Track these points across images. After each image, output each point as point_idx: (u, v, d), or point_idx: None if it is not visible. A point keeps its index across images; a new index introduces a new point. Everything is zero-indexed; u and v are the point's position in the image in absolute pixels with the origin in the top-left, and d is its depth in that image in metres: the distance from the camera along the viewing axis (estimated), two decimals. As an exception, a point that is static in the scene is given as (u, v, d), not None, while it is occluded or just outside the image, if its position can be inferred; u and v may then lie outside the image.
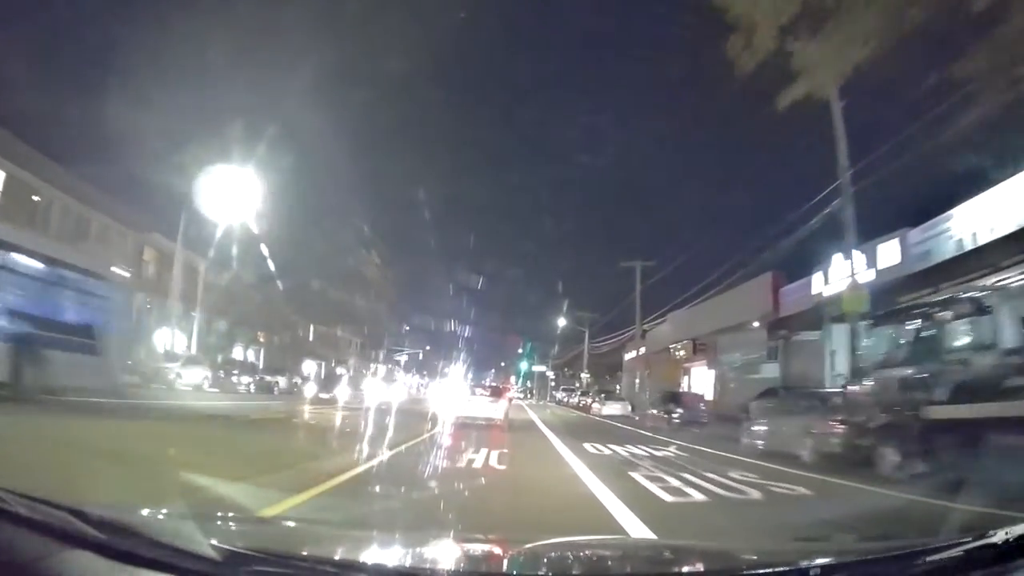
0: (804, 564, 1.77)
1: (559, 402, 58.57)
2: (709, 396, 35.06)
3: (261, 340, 51.30)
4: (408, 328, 74.69)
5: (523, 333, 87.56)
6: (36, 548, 1.43)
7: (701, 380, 39.04)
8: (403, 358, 77.57)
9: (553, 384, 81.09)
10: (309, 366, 59.82)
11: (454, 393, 36.95)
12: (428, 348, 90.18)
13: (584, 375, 57.96)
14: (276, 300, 54.48)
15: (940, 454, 8.49)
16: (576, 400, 46.09)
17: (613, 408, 32.25)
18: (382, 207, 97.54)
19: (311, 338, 62.00)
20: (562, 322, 59.79)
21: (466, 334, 74.51)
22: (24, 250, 12.04)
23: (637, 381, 38.32)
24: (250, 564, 1.51)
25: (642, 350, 49.82)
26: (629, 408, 32.80)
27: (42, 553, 1.42)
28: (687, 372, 40.52)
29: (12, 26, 26.56)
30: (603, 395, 33.81)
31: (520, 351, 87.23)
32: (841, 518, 6.18)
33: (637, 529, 5.17)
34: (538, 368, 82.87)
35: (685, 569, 2.15)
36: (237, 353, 47.34)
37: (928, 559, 1.69)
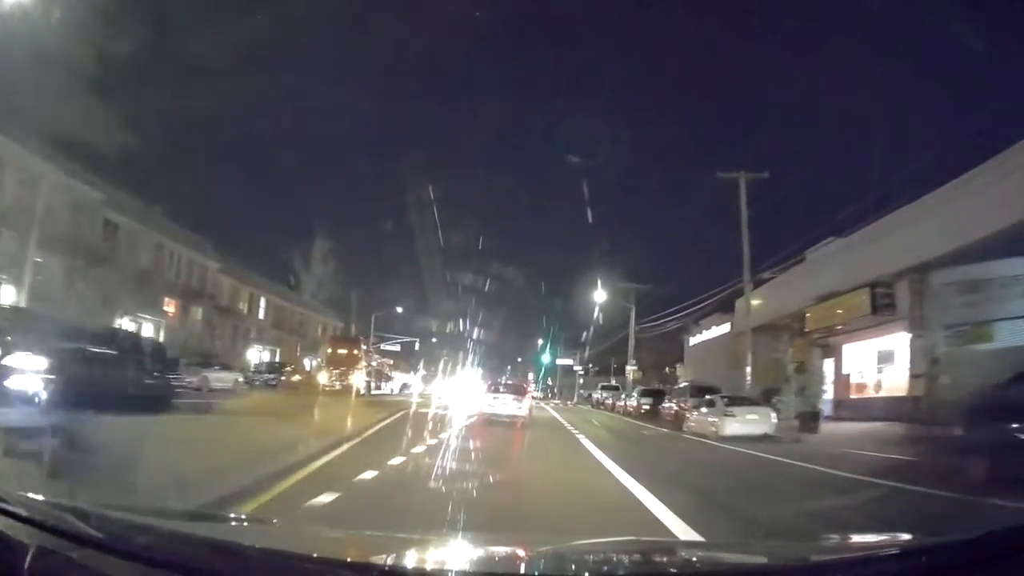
0: (807, 562, 1.84)
1: (596, 404, 41.89)
2: (901, 388, 19.12)
3: (169, 312, 35.53)
4: (401, 310, 58.72)
5: (544, 320, 71.18)
6: (36, 548, 1.44)
7: (861, 363, 22.50)
8: (392, 348, 61.72)
9: (581, 382, 64.52)
10: (255, 355, 44.05)
11: (458, 393, 30.54)
12: (435, 341, 74.81)
13: (631, 367, 41.46)
14: (201, 257, 38.98)
15: None
16: (633, 403, 29.22)
17: (747, 422, 15.74)
18: (375, 164, 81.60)
19: (261, 316, 46.21)
20: (600, 296, 43.07)
21: (476, 325, 58.67)
22: None
23: (750, 370, 21.77)
24: (248, 563, 1.49)
25: (725, 327, 33.32)
26: (774, 419, 16.30)
27: (42, 552, 1.44)
28: (831, 351, 23.88)
29: None
30: (725, 398, 16.65)
31: (540, 342, 70.66)
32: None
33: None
34: (563, 361, 66.17)
35: (684, 568, 2.01)
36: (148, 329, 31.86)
37: (931, 556, 1.62)
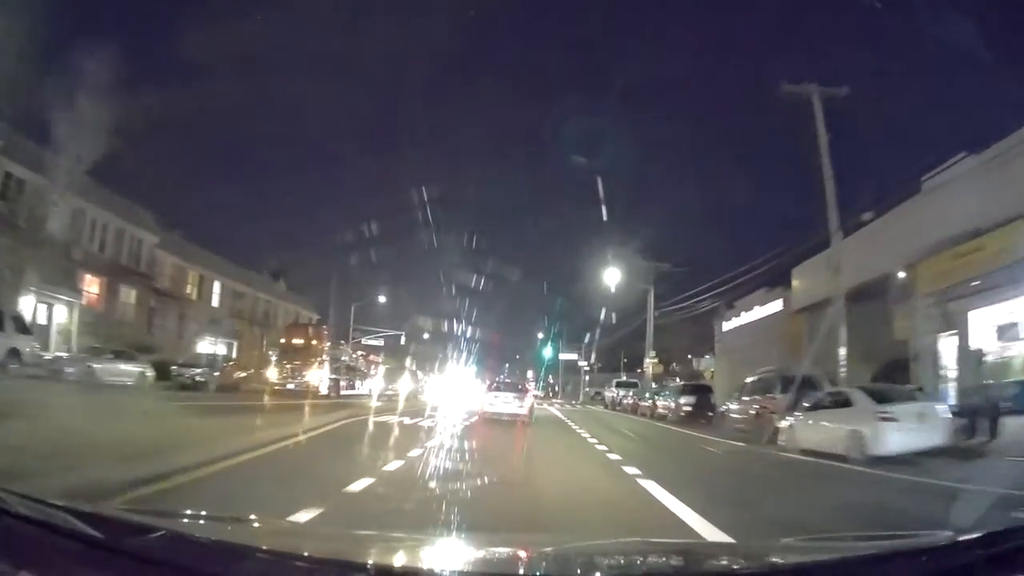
0: (811, 562, 1.79)
1: (612, 404, 35.12)
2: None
3: (91, 291, 28.76)
4: (384, 299, 52.03)
5: (544, 312, 64.56)
6: (36, 548, 1.44)
7: (993, 334, 15.94)
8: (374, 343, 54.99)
9: (587, 379, 57.92)
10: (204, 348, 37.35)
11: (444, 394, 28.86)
12: (427, 337, 68.54)
13: (650, 360, 34.94)
14: (135, 229, 32.30)
15: None
16: (668, 403, 22.07)
17: (916, 431, 9.11)
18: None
19: (215, 303, 39.45)
20: (610, 278, 36.25)
21: (469, 319, 52.16)
22: None
23: (844, 352, 15.16)
24: (248, 563, 1.45)
25: (774, 305, 26.86)
26: (947, 420, 9.66)
27: (42, 553, 1.43)
28: (950, 321, 17.10)
29: None
30: (866, 392, 9.99)
31: (539, 336, 63.98)
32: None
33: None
34: (567, 356, 59.38)
35: (685, 569, 1.92)
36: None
37: (935, 556, 1.57)
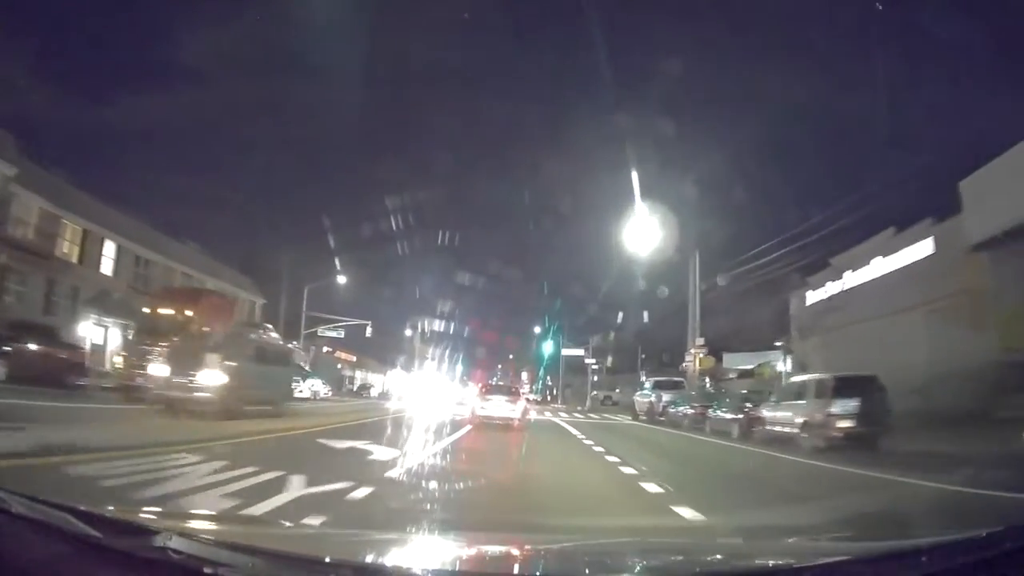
0: (812, 562, 1.74)
1: (647, 414, 25.07)
2: None
3: None
4: (345, 280, 42.13)
5: (542, 302, 55.08)
6: (36, 548, 1.42)
7: None
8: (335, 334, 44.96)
9: (595, 379, 48.16)
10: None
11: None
12: (410, 334, 59.79)
13: (695, 350, 25.22)
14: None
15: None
16: (795, 415, 11.34)
17: None
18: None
19: (106, 271, 29.46)
20: (629, 243, 26.31)
21: (453, 312, 43.18)
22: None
23: None
24: (249, 563, 1.43)
25: (915, 251, 17.55)
26: None
27: (42, 553, 1.42)
28: None
29: None
30: None
31: (538, 329, 54.15)
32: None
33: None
34: (570, 352, 49.23)
35: (687, 569, 1.93)
36: None
37: (935, 556, 1.53)
